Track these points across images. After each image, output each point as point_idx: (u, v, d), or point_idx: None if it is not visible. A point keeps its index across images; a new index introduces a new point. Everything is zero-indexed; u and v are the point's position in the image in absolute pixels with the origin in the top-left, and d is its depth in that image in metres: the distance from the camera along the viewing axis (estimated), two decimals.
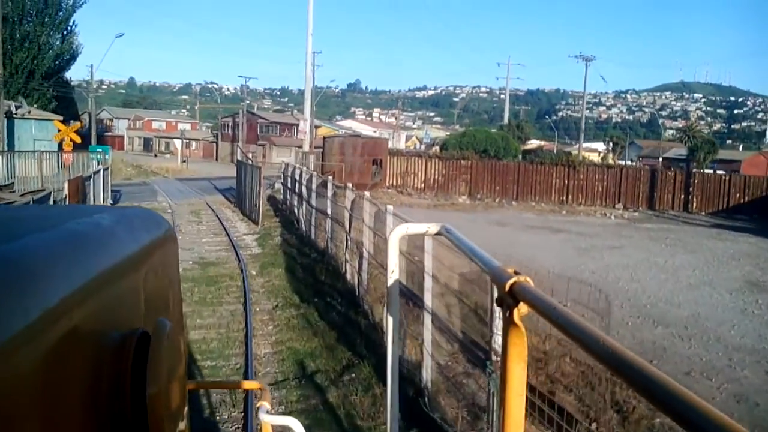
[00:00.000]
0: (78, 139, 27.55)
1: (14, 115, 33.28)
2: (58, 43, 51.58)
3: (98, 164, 23.47)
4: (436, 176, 37.08)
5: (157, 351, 1.07)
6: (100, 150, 29.52)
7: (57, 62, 51.55)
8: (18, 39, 48.16)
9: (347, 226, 14.18)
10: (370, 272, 12.26)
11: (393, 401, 2.09)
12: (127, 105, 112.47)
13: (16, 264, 0.80)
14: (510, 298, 1.18)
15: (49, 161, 22.59)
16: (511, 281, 1.18)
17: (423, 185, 37.26)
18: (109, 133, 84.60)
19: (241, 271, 15.78)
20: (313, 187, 18.37)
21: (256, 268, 16.42)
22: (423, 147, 79.23)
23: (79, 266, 0.93)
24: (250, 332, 11.20)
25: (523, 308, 1.16)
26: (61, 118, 37.92)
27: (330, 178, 17.15)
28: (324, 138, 36.37)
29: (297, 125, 66.72)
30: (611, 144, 66.36)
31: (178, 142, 50.62)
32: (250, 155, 26.84)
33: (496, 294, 1.26)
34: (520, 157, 41.45)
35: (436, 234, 1.99)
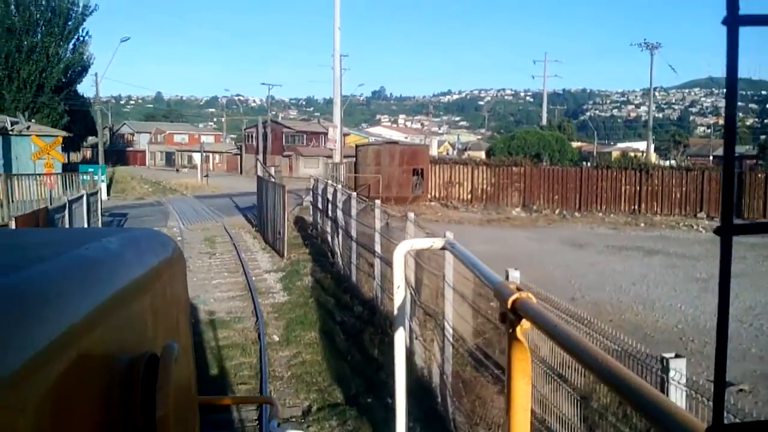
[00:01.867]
0: (61, 158, 23.22)
1: (10, 132, 29.09)
2: (68, 54, 47.82)
3: (91, 187, 18.90)
4: (485, 186, 32.15)
5: (166, 374, 1.05)
6: (91, 170, 25.03)
7: (68, 74, 47.74)
8: (25, 51, 44.39)
9: (413, 279, 9.34)
10: (457, 365, 7.48)
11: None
12: (151, 118, 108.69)
13: (25, 293, 0.80)
14: (512, 315, 1.18)
15: (24, 184, 18.13)
16: (513, 297, 1.17)
17: (470, 197, 32.35)
18: (131, 148, 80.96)
19: (259, 337, 11.11)
20: (353, 212, 13.61)
21: (280, 329, 11.72)
22: (455, 152, 74.28)
23: (88, 293, 0.93)
24: None
25: (525, 324, 1.16)
26: (65, 134, 33.82)
27: (378, 203, 12.42)
28: (357, 146, 31.67)
29: (324, 134, 62.15)
30: (672, 142, 60.58)
31: (198, 156, 46.24)
32: (272, 170, 22.36)
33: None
34: (571, 161, 36.27)
35: (441, 248, 1.92)
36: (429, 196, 31.83)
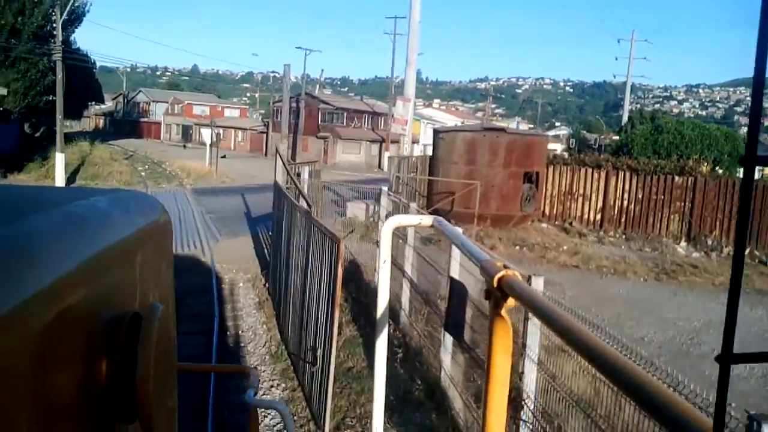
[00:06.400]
0: None
1: None
2: None
3: None
4: (625, 201, 20.33)
5: (148, 334, 1.02)
6: None
7: (55, 21, 36.51)
8: None
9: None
10: None
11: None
12: (175, 87, 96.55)
13: (13, 244, 0.79)
14: (498, 292, 1.15)
15: None
16: (499, 275, 1.14)
17: (599, 216, 20.58)
18: (146, 119, 69.68)
19: None
20: None
21: None
22: None
23: (74, 248, 0.91)
24: None
25: (510, 302, 1.14)
26: (5, 91, 22.69)
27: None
28: (437, 132, 19.93)
29: (369, 113, 50.26)
30: None
31: (206, 132, 34.54)
32: (305, 174, 11.09)
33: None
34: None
35: (429, 226, 1.88)
36: (540, 212, 20.19)
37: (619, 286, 13.98)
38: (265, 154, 50.26)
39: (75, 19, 38.60)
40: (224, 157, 40.69)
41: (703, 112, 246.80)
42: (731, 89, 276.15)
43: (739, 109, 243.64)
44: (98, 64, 54.46)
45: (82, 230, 0.98)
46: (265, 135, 51.72)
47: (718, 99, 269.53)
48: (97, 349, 0.94)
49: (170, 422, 1.37)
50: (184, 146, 49.20)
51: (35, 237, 0.84)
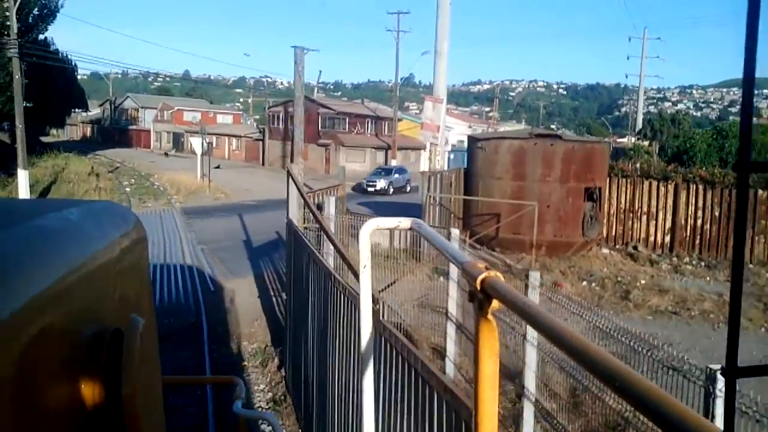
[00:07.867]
0: None
1: None
2: None
3: None
4: (698, 220, 16.92)
5: (131, 348, 0.98)
6: None
7: (24, 15, 32.79)
8: None
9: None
10: None
11: None
12: (165, 92, 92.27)
13: None
14: (481, 294, 1.14)
15: None
16: (482, 276, 1.13)
17: (668, 238, 17.15)
18: (134, 127, 65.77)
19: None
20: None
21: None
22: None
23: (48, 264, 0.87)
24: None
25: (495, 304, 1.13)
26: None
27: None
28: (472, 139, 16.39)
29: (372, 118, 46.75)
30: None
31: (196, 141, 30.74)
32: (331, 205, 7.73)
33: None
34: None
35: (408, 229, 1.77)
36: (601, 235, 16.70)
37: (746, 345, 10.55)
38: (262, 163, 46.59)
39: (48, 15, 34.97)
40: (218, 167, 37.04)
41: (698, 113, 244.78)
42: (724, 90, 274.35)
43: (733, 110, 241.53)
44: (88, 70, 51.01)
45: (55, 245, 0.93)
46: (261, 143, 48.06)
47: (712, 100, 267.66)
48: (80, 369, 0.89)
49: None
50: (166, 154, 45.51)
51: (8, 254, 0.79)
